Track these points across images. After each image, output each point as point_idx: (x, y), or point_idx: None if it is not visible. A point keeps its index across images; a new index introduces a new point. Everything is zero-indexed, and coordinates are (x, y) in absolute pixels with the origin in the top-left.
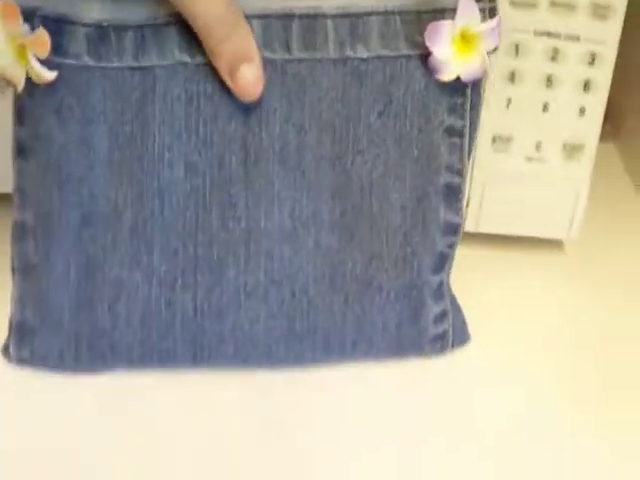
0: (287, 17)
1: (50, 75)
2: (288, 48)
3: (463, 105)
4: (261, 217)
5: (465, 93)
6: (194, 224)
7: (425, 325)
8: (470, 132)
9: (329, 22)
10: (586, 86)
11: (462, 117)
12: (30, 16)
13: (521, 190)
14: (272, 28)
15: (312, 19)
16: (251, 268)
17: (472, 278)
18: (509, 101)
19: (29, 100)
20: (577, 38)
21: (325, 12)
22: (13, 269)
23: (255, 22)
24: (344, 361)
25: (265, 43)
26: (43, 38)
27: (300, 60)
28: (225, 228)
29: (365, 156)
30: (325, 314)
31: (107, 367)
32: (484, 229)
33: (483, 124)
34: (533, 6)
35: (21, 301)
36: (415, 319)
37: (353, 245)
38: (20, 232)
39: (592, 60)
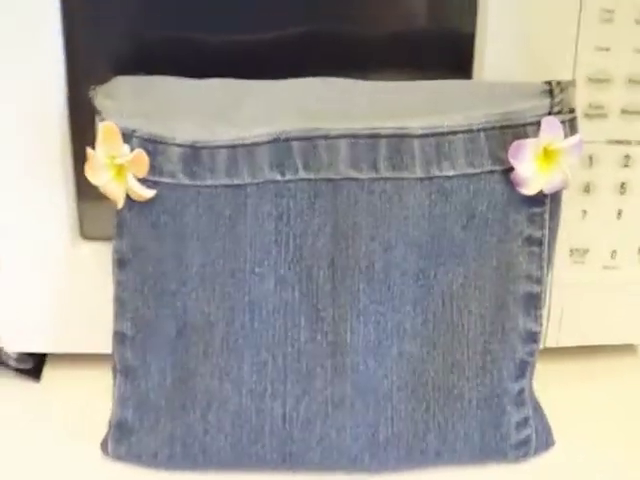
0: (374, 137)
1: (148, 193)
2: (375, 168)
3: (542, 215)
4: (347, 330)
5: (545, 203)
6: (283, 336)
7: (507, 432)
8: (549, 240)
9: (415, 142)
10: None
11: (541, 226)
12: (129, 138)
13: (598, 299)
14: (359, 148)
15: (399, 139)
16: (337, 379)
17: (551, 390)
18: (584, 212)
19: (128, 214)
20: None
21: (411, 132)
22: (114, 371)
23: (343, 142)
24: (427, 467)
25: (352, 163)
26: (141, 159)
27: (387, 179)
28: (313, 340)
29: (446, 267)
30: (408, 422)
31: (199, 468)
32: (564, 343)
33: (559, 238)
34: (604, 116)
35: (121, 401)
36: (497, 426)
37: (435, 353)
38: (120, 339)
39: None
